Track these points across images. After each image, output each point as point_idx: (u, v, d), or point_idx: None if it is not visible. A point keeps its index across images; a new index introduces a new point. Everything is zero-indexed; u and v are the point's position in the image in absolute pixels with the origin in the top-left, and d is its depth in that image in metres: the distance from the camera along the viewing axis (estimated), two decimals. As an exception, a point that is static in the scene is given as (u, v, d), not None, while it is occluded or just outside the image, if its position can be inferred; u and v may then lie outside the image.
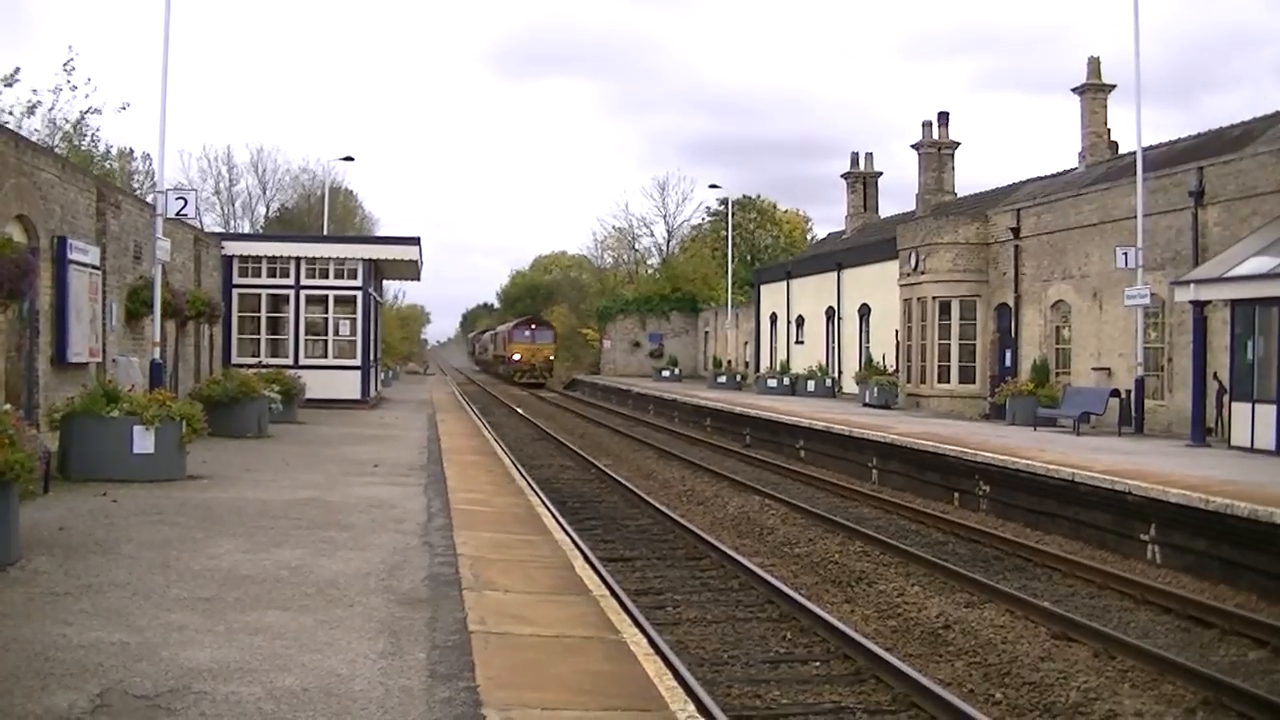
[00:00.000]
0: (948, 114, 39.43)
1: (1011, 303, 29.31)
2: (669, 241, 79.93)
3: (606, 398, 51.81)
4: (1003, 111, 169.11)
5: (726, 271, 55.25)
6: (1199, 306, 20.86)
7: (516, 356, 67.00)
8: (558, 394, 58.45)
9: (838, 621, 10.12)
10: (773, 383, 42.28)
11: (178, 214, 19.40)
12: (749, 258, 68.95)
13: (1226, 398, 20.40)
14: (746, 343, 53.88)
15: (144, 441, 13.18)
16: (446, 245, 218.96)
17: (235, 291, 29.37)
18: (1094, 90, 30.68)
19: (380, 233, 64.32)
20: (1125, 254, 22.97)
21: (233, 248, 29.99)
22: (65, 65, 36.79)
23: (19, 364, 14.59)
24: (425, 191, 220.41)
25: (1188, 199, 22.68)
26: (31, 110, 30.55)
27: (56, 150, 27.21)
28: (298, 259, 29.92)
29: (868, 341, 38.19)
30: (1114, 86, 30.94)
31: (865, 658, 9.08)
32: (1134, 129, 23.85)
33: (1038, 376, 26.37)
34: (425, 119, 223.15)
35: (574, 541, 11.70)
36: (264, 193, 65.30)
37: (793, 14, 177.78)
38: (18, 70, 30.62)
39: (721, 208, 68.53)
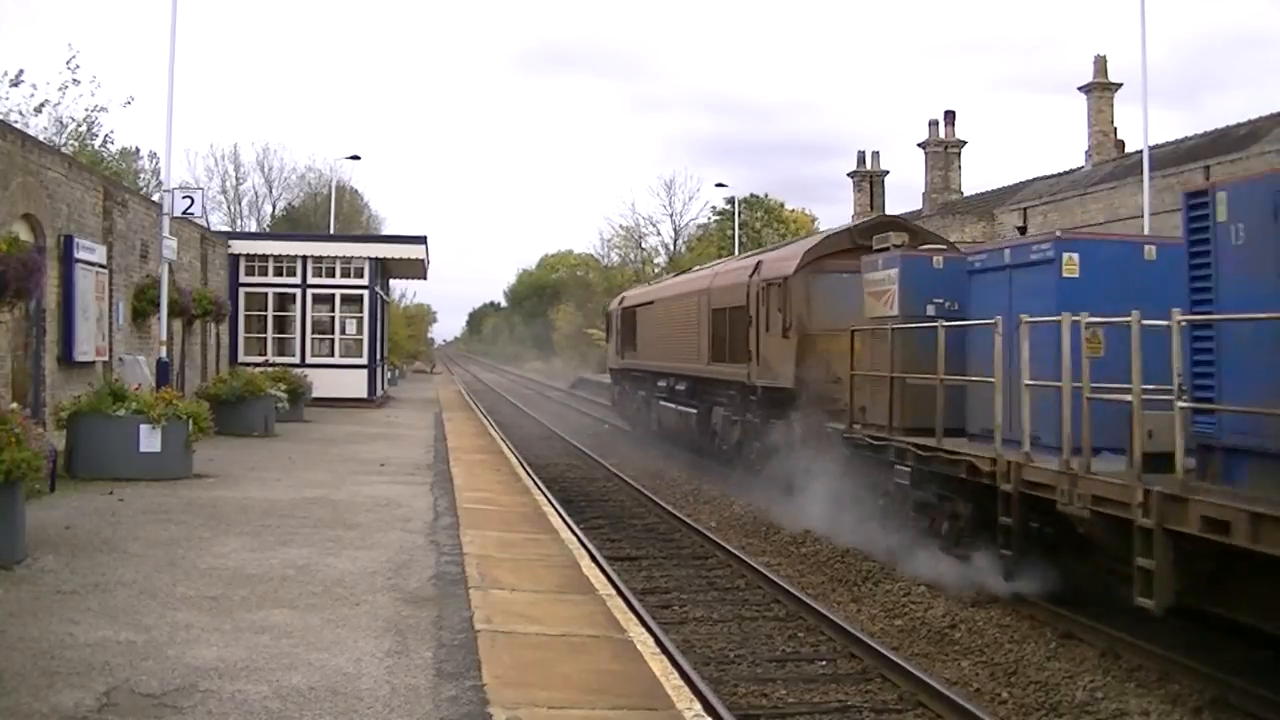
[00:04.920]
0: (954, 113, 39.49)
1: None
2: (676, 240, 79.82)
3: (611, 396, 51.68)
4: (1009, 110, 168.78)
5: (732, 270, 55.13)
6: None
7: None
8: (564, 393, 58.41)
9: (844, 621, 10.12)
10: (779, 381, 42.07)
11: (184, 213, 19.41)
12: (755, 257, 68.72)
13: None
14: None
15: (150, 440, 13.21)
16: (453, 245, 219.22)
17: (242, 290, 29.42)
18: (1100, 89, 30.62)
19: (386, 232, 64.32)
20: (1132, 253, 22.91)
21: (239, 246, 30.04)
22: (69, 63, 36.96)
23: (26, 363, 14.61)
24: (432, 191, 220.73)
25: (1195, 198, 22.63)
26: (39, 109, 30.62)
27: (65, 149, 27.26)
28: (304, 258, 29.97)
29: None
30: (1120, 85, 30.88)
31: (871, 657, 9.08)
32: (1140, 128, 23.96)
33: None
34: (432, 119, 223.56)
35: (580, 540, 11.68)
36: (270, 191, 65.42)
37: (801, 14, 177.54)
38: (21, 72, 30.83)
39: (728, 207, 68.41)
